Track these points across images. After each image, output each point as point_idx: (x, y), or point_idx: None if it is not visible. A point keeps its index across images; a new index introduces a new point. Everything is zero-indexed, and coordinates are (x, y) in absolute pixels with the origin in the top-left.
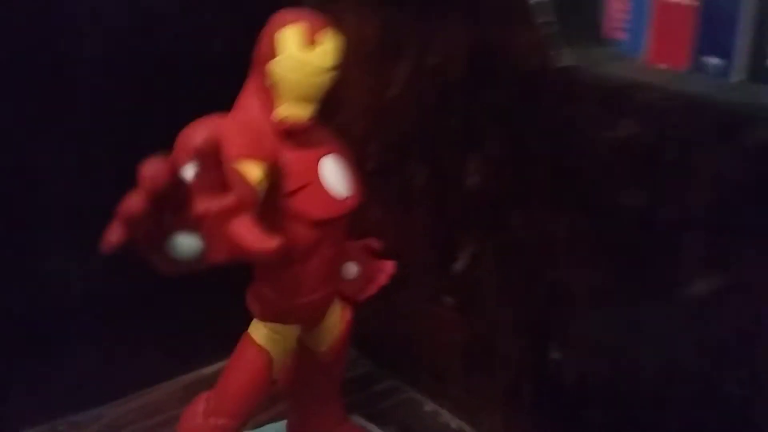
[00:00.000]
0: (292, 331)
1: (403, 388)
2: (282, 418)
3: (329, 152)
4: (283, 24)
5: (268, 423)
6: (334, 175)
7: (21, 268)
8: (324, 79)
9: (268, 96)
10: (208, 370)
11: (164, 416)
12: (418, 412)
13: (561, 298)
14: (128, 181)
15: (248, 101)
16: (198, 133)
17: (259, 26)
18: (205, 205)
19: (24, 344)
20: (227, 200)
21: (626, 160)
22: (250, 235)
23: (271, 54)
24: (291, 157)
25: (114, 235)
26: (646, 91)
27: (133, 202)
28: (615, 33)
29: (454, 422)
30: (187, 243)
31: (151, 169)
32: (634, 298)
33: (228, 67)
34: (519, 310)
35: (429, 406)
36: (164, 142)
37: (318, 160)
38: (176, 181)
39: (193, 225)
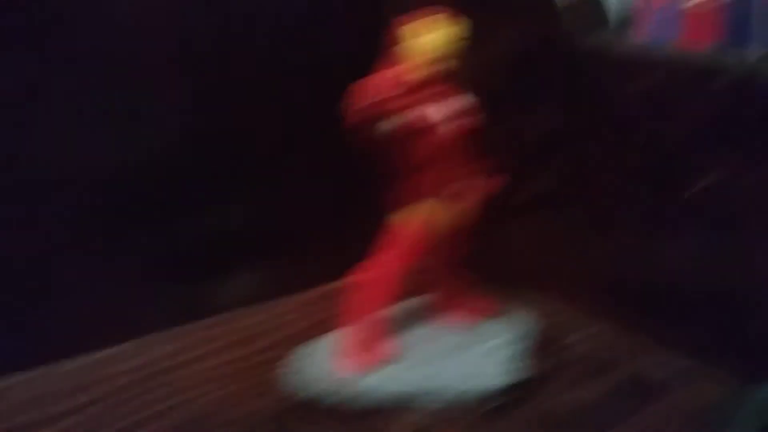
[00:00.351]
0: (433, 210)
1: (489, 288)
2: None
3: (445, 97)
4: (412, 20)
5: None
6: (448, 110)
7: (195, 217)
8: (439, 52)
9: (400, 63)
10: (324, 288)
11: (289, 318)
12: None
13: (605, 207)
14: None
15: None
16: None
17: (373, 30)
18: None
19: (203, 262)
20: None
21: (642, 104)
22: (421, 116)
23: (404, 38)
24: (422, 97)
25: (358, 114)
26: (652, 57)
27: (367, 99)
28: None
29: (528, 306)
30: (386, 125)
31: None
32: (655, 203)
33: (354, 59)
34: (575, 221)
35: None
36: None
37: (438, 101)
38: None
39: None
